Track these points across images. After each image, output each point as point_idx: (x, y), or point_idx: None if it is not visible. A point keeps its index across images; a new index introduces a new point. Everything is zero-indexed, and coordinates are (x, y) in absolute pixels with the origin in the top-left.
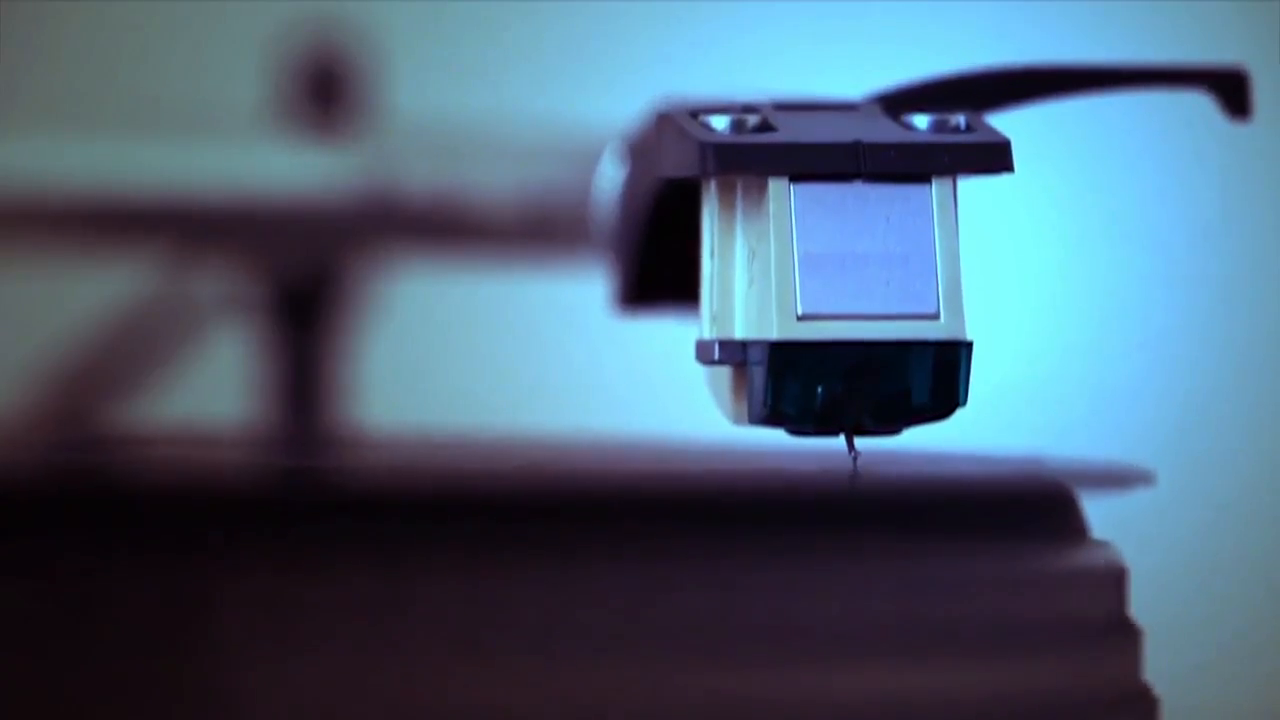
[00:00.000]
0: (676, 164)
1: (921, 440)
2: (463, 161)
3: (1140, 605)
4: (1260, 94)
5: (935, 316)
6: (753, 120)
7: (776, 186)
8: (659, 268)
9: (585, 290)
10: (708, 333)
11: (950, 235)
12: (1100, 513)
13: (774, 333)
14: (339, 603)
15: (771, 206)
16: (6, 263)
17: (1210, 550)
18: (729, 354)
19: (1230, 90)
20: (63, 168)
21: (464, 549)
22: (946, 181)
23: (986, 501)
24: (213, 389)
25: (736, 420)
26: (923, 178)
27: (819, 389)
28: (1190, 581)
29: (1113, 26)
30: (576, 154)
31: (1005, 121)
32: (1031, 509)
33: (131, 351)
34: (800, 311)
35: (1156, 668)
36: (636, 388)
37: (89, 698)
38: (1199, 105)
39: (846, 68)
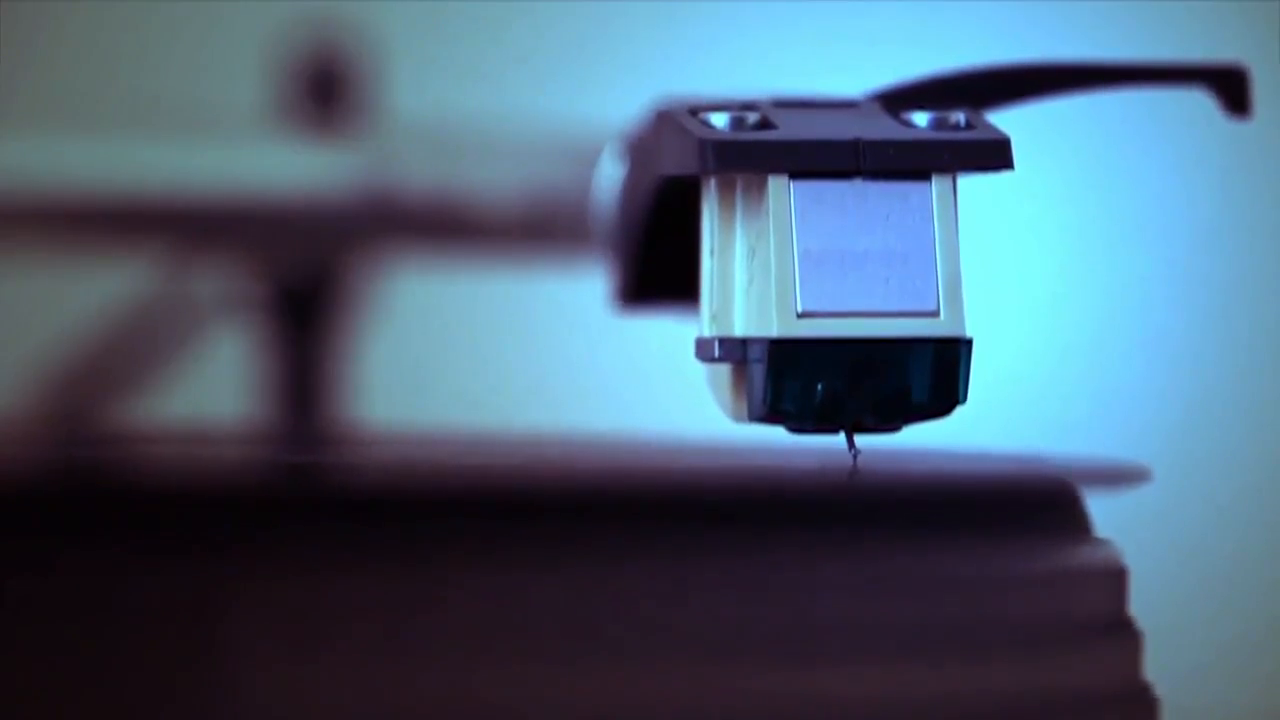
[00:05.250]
0: (676, 162)
1: (921, 438)
2: (463, 161)
3: (1140, 605)
4: (1260, 92)
5: (935, 314)
6: (752, 118)
7: (776, 184)
8: (658, 266)
9: (585, 289)
10: (707, 330)
11: (950, 232)
12: (1100, 512)
13: (774, 330)
14: (339, 601)
15: (771, 204)
16: (6, 263)
17: (1210, 550)
18: (729, 352)
19: (1230, 88)
20: (63, 168)
21: (463, 547)
22: (946, 179)
23: (986, 500)
24: (213, 388)
25: (736, 418)
26: (923, 175)
27: (819, 386)
28: (1190, 581)
29: (1112, 24)
30: (576, 153)
31: (1005, 119)
32: (1031, 507)
33: (131, 351)
34: (800, 309)
35: (1156, 668)
36: (636, 386)
37: (91, 697)
38: (1199, 103)
39: (846, 66)
